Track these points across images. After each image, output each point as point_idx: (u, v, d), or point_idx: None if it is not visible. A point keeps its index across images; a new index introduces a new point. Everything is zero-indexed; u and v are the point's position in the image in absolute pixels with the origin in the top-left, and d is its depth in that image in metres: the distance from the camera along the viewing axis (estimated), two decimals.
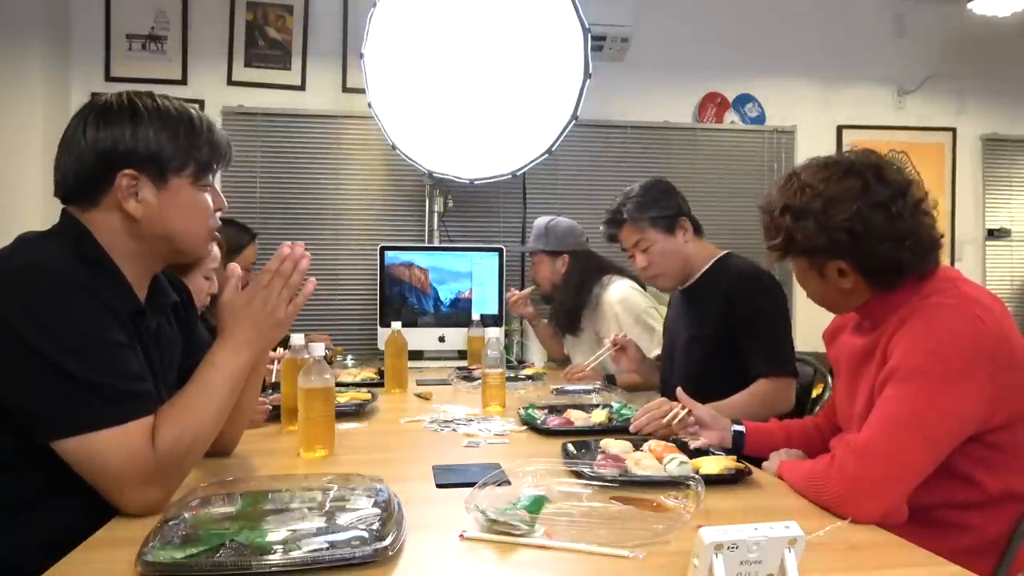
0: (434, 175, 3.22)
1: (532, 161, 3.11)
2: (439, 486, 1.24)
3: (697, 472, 1.20)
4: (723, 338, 2.02)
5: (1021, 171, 4.15)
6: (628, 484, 1.18)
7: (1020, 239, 4.12)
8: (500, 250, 3.22)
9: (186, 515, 0.94)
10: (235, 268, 1.24)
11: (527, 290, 3.06)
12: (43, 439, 1.01)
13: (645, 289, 2.73)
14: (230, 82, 3.49)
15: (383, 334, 2.94)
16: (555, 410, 1.80)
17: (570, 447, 1.43)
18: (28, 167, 3.08)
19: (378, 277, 3.15)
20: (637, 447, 1.41)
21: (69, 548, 0.94)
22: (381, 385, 2.32)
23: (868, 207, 1.24)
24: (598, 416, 1.74)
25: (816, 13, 3.91)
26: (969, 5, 3.43)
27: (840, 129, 3.98)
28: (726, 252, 2.19)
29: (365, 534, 0.89)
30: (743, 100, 3.90)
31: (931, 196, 1.30)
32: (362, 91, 3.19)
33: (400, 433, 1.73)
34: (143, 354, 1.15)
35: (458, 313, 3.16)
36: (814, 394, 2.29)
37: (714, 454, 1.35)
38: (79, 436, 1.00)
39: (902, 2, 3.98)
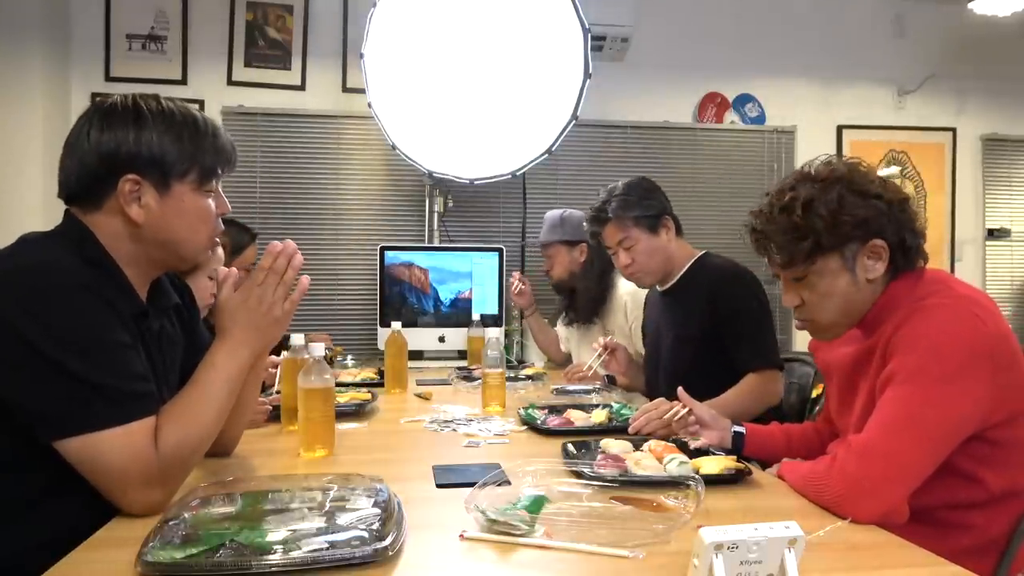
0: (434, 175, 3.22)
1: (532, 161, 3.11)
2: (439, 486, 1.24)
3: (697, 472, 1.20)
4: (709, 337, 2.05)
5: (1021, 171, 4.15)
6: (628, 484, 1.18)
7: (1020, 239, 4.12)
8: (500, 250, 3.22)
9: (186, 515, 0.94)
10: (230, 270, 1.24)
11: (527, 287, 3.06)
12: (45, 439, 1.01)
13: None
14: (230, 82, 3.49)
15: (383, 334, 2.94)
16: (555, 410, 1.81)
17: (570, 447, 1.43)
18: (28, 167, 3.08)
19: (378, 277, 3.15)
20: (637, 447, 1.41)
21: (70, 548, 0.94)
22: (381, 385, 2.32)
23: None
24: (598, 416, 1.74)
25: (816, 13, 3.92)
26: (969, 5, 3.43)
27: (840, 129, 3.98)
28: (704, 252, 2.23)
29: (365, 534, 0.89)
30: (743, 100, 3.90)
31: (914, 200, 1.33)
32: (362, 91, 3.19)
33: (400, 433, 1.73)
34: (145, 355, 1.15)
35: (458, 313, 3.16)
36: (814, 394, 2.29)
37: (714, 454, 1.35)
38: (81, 436, 1.00)
39: (902, 2, 3.98)
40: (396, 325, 2.32)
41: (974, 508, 1.21)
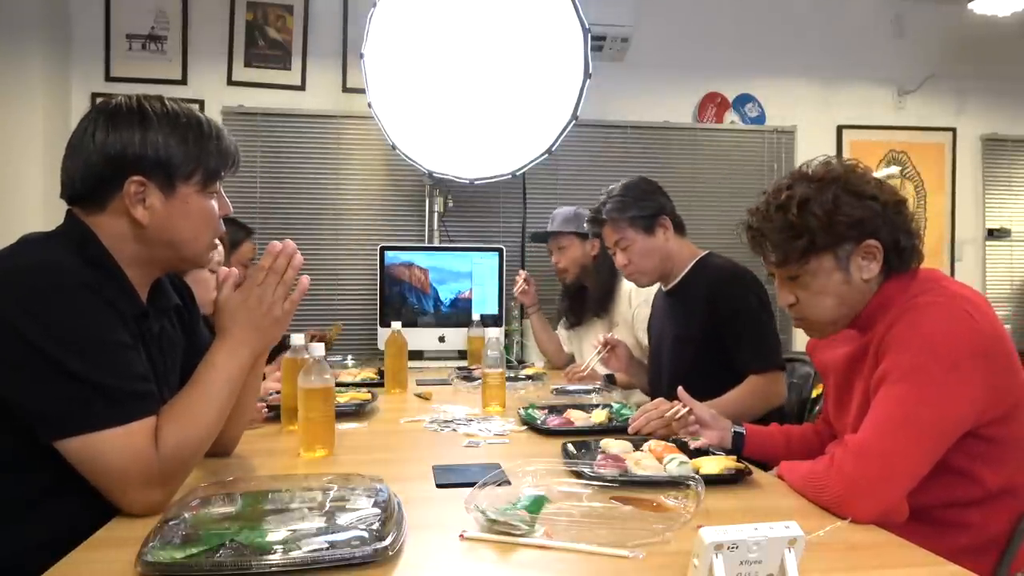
0: (434, 175, 3.22)
1: (532, 161, 3.11)
2: (439, 486, 1.24)
3: (697, 472, 1.20)
4: (710, 337, 2.05)
5: (1021, 171, 4.15)
6: (628, 484, 1.18)
7: (1020, 239, 4.12)
8: (500, 250, 3.22)
9: (186, 515, 0.94)
10: (231, 270, 1.24)
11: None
12: (46, 439, 1.01)
13: None
14: (230, 82, 3.49)
15: (383, 334, 2.94)
16: (555, 410, 1.80)
17: (570, 447, 1.43)
18: (28, 167, 3.08)
19: (378, 277, 3.16)
20: (637, 447, 1.41)
21: (70, 548, 0.94)
22: (381, 385, 2.32)
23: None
24: (598, 416, 1.74)
25: (816, 13, 3.92)
26: (969, 5, 3.43)
27: (840, 129, 3.98)
28: (707, 252, 2.22)
29: (365, 534, 0.89)
30: (743, 100, 3.90)
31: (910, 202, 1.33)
32: (362, 91, 3.19)
33: (400, 433, 1.73)
34: (145, 356, 1.15)
35: (458, 313, 3.16)
36: (814, 394, 2.29)
37: (714, 454, 1.35)
38: (82, 436, 1.00)
39: (902, 2, 3.98)
40: (396, 325, 2.32)
41: (971, 506, 1.21)
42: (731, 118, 3.90)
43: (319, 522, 0.92)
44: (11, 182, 3.06)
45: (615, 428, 1.65)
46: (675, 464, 1.26)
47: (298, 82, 3.54)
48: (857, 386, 1.30)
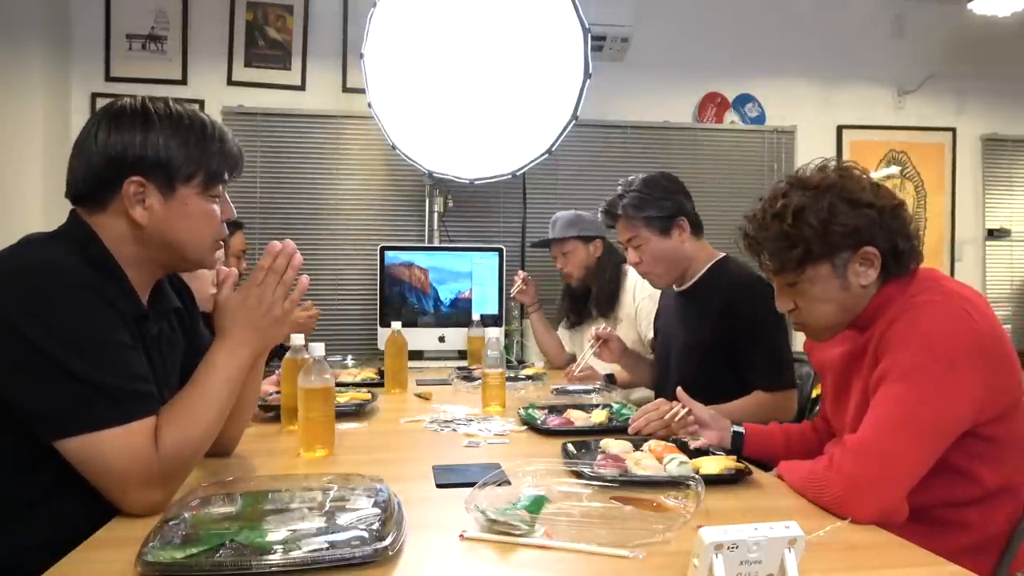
0: (434, 175, 3.22)
1: (532, 161, 3.11)
2: (439, 486, 1.24)
3: (697, 472, 1.20)
4: (720, 346, 1.99)
5: (1021, 171, 4.15)
6: (628, 484, 1.18)
7: (1020, 239, 4.12)
8: (500, 250, 3.22)
9: (186, 515, 0.94)
10: (231, 270, 1.24)
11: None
12: (46, 439, 1.01)
13: None
14: (230, 82, 3.49)
15: (383, 334, 2.94)
16: (555, 410, 1.80)
17: (570, 447, 1.43)
18: (28, 167, 3.08)
19: (378, 277, 3.15)
20: (637, 447, 1.41)
21: (70, 548, 0.94)
22: (381, 385, 2.32)
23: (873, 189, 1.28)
24: (598, 416, 1.74)
25: (816, 13, 3.92)
26: (969, 5, 3.43)
27: (840, 129, 3.98)
28: (724, 256, 2.15)
29: (365, 534, 0.89)
30: (743, 100, 3.90)
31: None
32: (362, 91, 3.19)
33: (400, 433, 1.73)
34: (145, 359, 1.15)
35: (458, 313, 3.16)
36: (814, 394, 2.29)
37: (714, 454, 1.35)
38: (82, 436, 1.00)
39: (902, 2, 3.99)
40: (396, 325, 2.32)
41: (971, 505, 1.21)
42: (731, 118, 3.90)
43: (319, 522, 0.92)
44: (11, 182, 3.06)
45: (615, 428, 1.65)
46: (675, 464, 1.26)
47: (298, 82, 3.54)
48: (856, 385, 1.31)
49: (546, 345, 3.05)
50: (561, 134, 3.04)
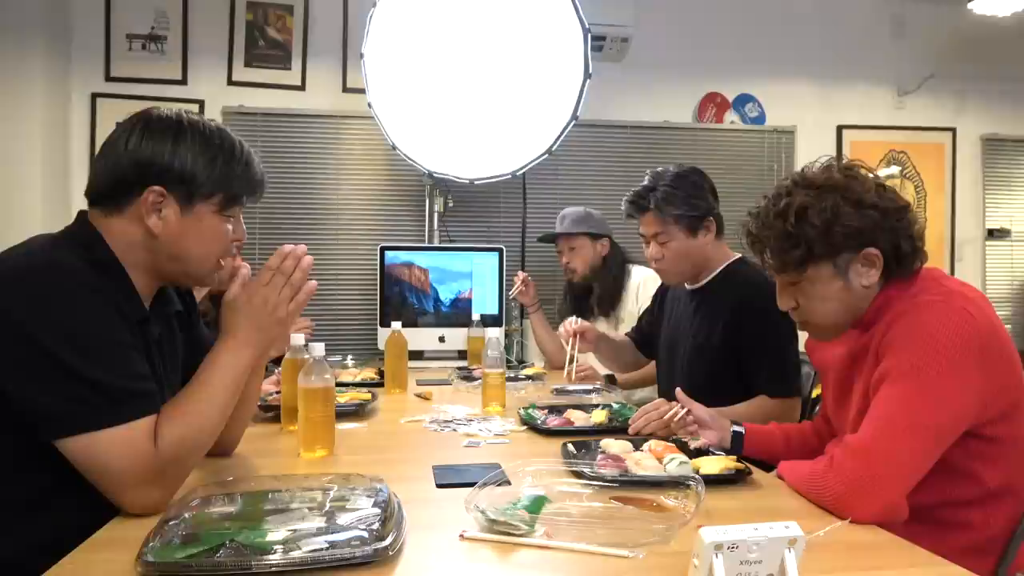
0: (434, 175, 3.22)
1: (532, 161, 3.11)
2: (439, 486, 1.24)
3: (697, 472, 1.20)
4: (728, 349, 1.97)
5: (1021, 171, 4.15)
6: (628, 484, 1.18)
7: (1020, 239, 4.12)
8: (500, 250, 3.22)
9: (186, 515, 0.94)
10: (244, 265, 1.24)
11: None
12: (47, 438, 1.01)
13: None
14: (230, 82, 3.49)
15: (383, 334, 2.94)
16: (555, 410, 1.80)
17: (570, 447, 1.43)
18: (28, 167, 3.08)
19: (378, 277, 3.15)
20: (637, 447, 1.41)
21: (70, 548, 0.94)
22: (381, 385, 2.32)
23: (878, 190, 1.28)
24: (598, 416, 1.74)
25: (816, 13, 3.92)
26: (969, 5, 3.43)
27: (840, 129, 3.98)
28: (740, 256, 2.10)
29: (365, 534, 0.89)
30: (743, 100, 3.90)
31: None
32: (362, 91, 3.18)
33: (400, 433, 1.73)
34: (147, 361, 1.15)
35: (458, 313, 3.16)
36: (814, 394, 2.28)
37: (714, 454, 1.35)
38: (83, 435, 1.00)
39: (902, 2, 3.99)
40: (396, 325, 2.32)
41: (972, 505, 1.21)
42: (731, 118, 3.90)
43: (319, 522, 0.92)
44: (11, 182, 3.06)
45: (615, 428, 1.65)
46: (675, 464, 1.26)
47: (298, 82, 3.54)
48: (857, 385, 1.30)
49: (545, 345, 3.04)
50: (561, 134, 3.04)
